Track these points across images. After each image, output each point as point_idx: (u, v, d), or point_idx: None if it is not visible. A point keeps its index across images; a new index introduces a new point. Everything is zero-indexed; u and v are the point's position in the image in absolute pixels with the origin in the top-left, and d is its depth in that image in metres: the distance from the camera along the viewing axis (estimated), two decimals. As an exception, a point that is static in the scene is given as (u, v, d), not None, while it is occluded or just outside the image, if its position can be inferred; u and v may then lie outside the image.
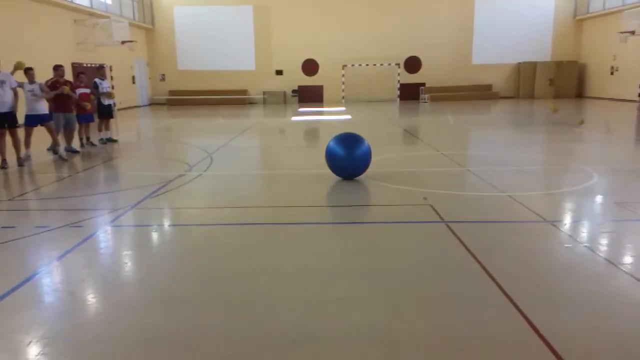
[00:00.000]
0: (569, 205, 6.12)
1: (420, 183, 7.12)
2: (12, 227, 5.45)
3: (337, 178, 7.40)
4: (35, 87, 9.55)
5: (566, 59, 28.26)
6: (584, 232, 5.01)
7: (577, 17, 28.21)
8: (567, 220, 5.46)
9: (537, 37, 28.53)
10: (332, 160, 7.21)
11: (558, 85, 27.86)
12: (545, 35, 28.67)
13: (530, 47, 28.47)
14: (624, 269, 3.96)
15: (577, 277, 3.84)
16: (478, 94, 28.34)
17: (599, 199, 6.32)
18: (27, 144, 9.59)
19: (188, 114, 22.02)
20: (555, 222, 5.25)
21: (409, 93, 28.65)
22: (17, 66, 9.36)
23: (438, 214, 5.55)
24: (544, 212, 5.62)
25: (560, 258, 4.28)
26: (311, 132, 15.17)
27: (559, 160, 9.17)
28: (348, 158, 7.10)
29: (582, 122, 14.29)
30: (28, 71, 9.56)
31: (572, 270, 3.98)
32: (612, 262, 4.11)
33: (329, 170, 7.36)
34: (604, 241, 4.71)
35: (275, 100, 29.05)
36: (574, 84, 27.97)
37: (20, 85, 9.41)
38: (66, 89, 10.11)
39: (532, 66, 28.14)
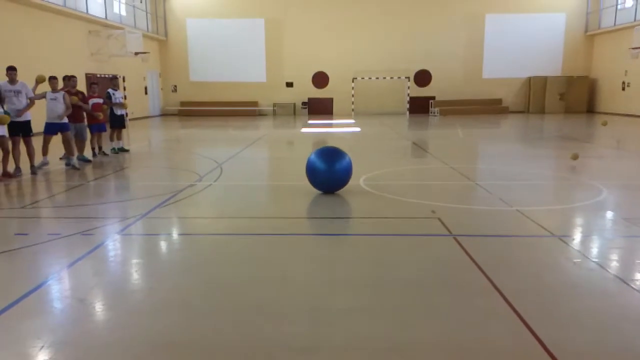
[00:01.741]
0: (577, 221, 6.10)
1: (428, 196, 7.14)
2: (25, 234, 5.54)
3: (344, 189, 7.43)
4: (58, 95, 9.71)
5: (577, 74, 28.24)
6: (593, 248, 5.00)
7: (588, 33, 28.23)
8: (576, 235, 5.45)
9: (547, 52, 28.56)
10: (312, 174, 7.21)
11: (568, 100, 27.82)
12: (556, 50, 28.70)
13: (541, 61, 28.50)
14: (633, 285, 3.95)
15: (585, 293, 3.83)
16: (488, 108, 28.36)
17: (608, 214, 6.30)
18: (45, 151, 9.74)
19: (199, 125, 22.23)
20: (564, 237, 5.23)
21: (419, 106, 28.72)
22: (38, 80, 9.48)
23: (446, 227, 5.56)
24: (552, 227, 5.61)
25: (569, 273, 4.27)
26: (320, 144, 15.22)
27: (568, 175, 9.15)
28: (328, 172, 7.07)
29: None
30: (51, 80, 9.73)
31: (580, 286, 3.97)
32: (621, 278, 4.09)
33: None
34: (612, 257, 4.69)
35: (285, 112, 29.24)
36: (584, 99, 27.91)
37: (43, 96, 9.57)
38: (75, 99, 10.24)
39: (543, 81, 28.14)
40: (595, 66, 28.29)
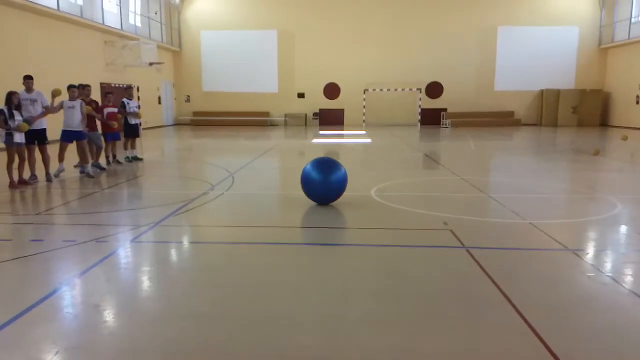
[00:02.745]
0: (591, 234, 6.05)
1: (440, 208, 7.11)
2: (40, 240, 5.61)
3: (355, 200, 7.44)
4: (76, 104, 9.83)
5: (590, 87, 28.09)
6: (607, 262, 4.95)
7: (602, 46, 28.10)
8: (590, 249, 5.40)
9: (560, 64, 28.48)
10: (307, 185, 7.18)
11: (581, 113, 27.65)
12: (569, 63, 28.60)
13: (554, 74, 28.41)
14: (648, 300, 3.90)
15: (599, 307, 3.80)
16: (500, 121, 28.27)
17: (622, 228, 6.24)
18: (61, 158, 9.86)
19: (211, 135, 22.40)
20: (578, 251, 5.19)
21: (430, 118, 28.72)
22: (54, 94, 9.55)
23: (459, 239, 5.54)
24: (566, 240, 5.57)
25: (583, 287, 4.24)
26: (331, 155, 15.27)
27: (582, 188, 9.08)
28: (323, 183, 7.03)
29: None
30: (70, 89, 9.85)
31: (594, 300, 3.94)
32: (636, 292, 4.05)
33: (345, 192, 7.33)
34: (627, 271, 4.64)
35: (296, 123, 29.37)
36: (597, 112, 27.73)
37: (60, 107, 9.69)
38: (88, 109, 10.33)
39: (555, 94, 28.01)
40: (609, 79, 28.13)
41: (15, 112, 8.59)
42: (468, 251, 5.09)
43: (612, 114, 27.65)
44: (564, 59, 28.52)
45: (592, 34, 28.36)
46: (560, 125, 27.72)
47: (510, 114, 29.02)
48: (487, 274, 4.42)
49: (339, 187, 7.15)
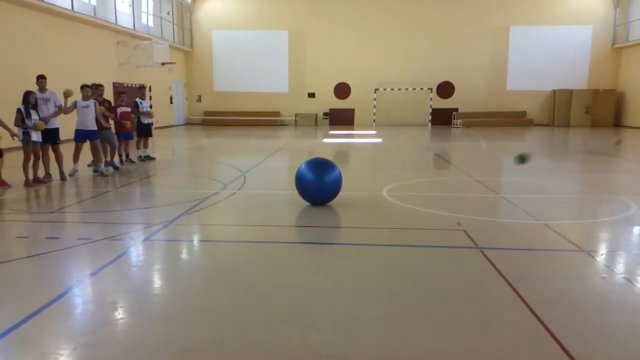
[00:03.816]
0: (605, 235, 6.01)
1: (453, 208, 7.09)
2: (56, 237, 5.67)
3: (367, 200, 7.44)
4: (89, 103, 9.89)
5: (603, 87, 27.81)
6: (621, 263, 4.91)
7: (616, 45, 27.82)
8: (604, 250, 5.36)
9: (573, 64, 28.25)
10: (302, 184, 7.18)
11: (594, 113, 27.37)
12: (582, 63, 28.34)
13: (567, 74, 28.19)
14: (664, 302, 3.87)
15: (615, 308, 3.77)
16: (512, 121, 28.11)
17: (636, 230, 6.18)
18: (76, 158, 9.94)
19: (222, 134, 22.50)
20: (592, 252, 5.16)
21: (441, 118, 28.63)
22: (66, 94, 9.62)
23: (472, 239, 5.53)
24: (580, 241, 5.53)
25: (597, 288, 4.21)
26: (341, 154, 15.29)
27: (596, 189, 9.00)
28: (318, 183, 7.03)
29: (619, 142, 14.15)
30: (83, 88, 9.92)
31: (610, 301, 3.91)
32: (652, 294, 4.02)
33: (357, 192, 7.33)
34: (643, 273, 4.61)
35: (306, 122, 29.41)
36: (611, 112, 27.43)
37: (74, 107, 9.76)
38: (102, 109, 10.40)
39: (568, 94, 27.78)
40: (623, 79, 27.83)
41: (32, 111, 8.71)
42: (482, 252, 5.08)
43: (626, 115, 27.34)
44: (577, 58, 28.28)
45: (606, 34, 28.08)
46: (573, 125, 27.49)
47: (523, 114, 28.83)
48: (501, 274, 4.41)
49: (334, 188, 7.14)
